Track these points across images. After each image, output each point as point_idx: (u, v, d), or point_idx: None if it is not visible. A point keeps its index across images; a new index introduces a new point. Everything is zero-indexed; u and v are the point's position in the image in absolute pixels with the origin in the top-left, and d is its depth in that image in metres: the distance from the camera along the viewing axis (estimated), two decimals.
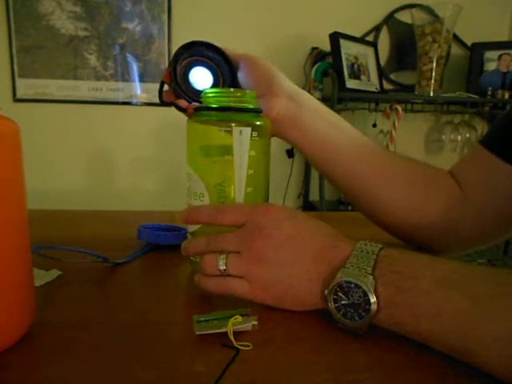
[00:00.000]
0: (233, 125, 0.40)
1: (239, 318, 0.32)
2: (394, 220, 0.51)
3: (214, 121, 0.42)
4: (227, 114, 0.42)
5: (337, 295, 0.32)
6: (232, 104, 0.42)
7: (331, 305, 0.33)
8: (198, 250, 0.39)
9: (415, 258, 0.33)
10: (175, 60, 0.47)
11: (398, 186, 0.51)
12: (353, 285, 0.32)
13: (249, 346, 0.31)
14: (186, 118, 0.45)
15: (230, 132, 0.40)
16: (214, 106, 0.42)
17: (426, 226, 0.50)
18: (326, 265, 0.34)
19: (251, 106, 0.43)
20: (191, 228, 0.44)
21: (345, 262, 0.33)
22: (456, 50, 1.75)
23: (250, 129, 0.41)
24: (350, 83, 1.51)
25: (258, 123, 0.42)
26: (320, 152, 0.51)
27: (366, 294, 0.31)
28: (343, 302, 0.32)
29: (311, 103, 0.52)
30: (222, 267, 0.36)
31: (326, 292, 0.33)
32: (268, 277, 0.35)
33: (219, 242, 0.37)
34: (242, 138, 0.41)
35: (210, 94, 0.43)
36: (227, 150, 0.41)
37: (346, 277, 0.32)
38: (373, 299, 0.31)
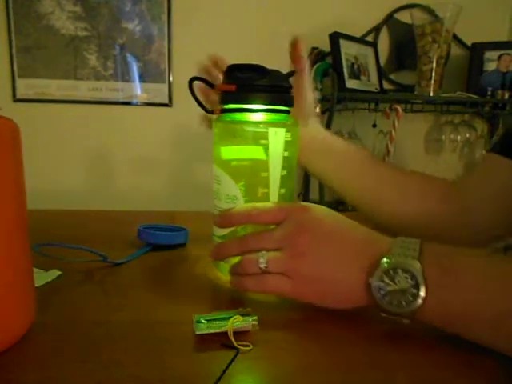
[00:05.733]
0: (269, 126, 0.40)
1: (239, 318, 0.32)
2: (393, 220, 0.53)
3: (249, 122, 0.41)
4: (261, 114, 0.42)
5: (383, 282, 0.32)
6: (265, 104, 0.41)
7: (376, 293, 0.32)
8: (232, 251, 0.39)
9: (456, 248, 0.33)
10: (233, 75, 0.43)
11: (396, 191, 0.55)
12: (400, 270, 0.31)
13: (249, 346, 0.31)
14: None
15: (265, 133, 0.40)
16: (247, 106, 0.41)
17: (424, 220, 0.52)
18: (368, 258, 0.34)
19: (283, 108, 0.43)
20: (220, 232, 0.43)
21: (388, 253, 0.33)
22: (456, 50, 1.75)
23: (284, 129, 0.41)
24: (350, 83, 1.50)
25: (290, 124, 0.42)
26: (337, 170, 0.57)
27: (414, 277, 0.31)
28: (389, 289, 0.32)
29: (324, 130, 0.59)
30: (263, 265, 0.35)
31: (370, 280, 0.32)
32: (311, 272, 0.35)
33: (257, 240, 0.37)
34: (277, 139, 0.41)
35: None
36: (262, 151, 0.41)
37: (393, 262, 0.32)
38: (421, 282, 0.30)
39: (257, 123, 0.41)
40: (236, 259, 0.39)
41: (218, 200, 0.43)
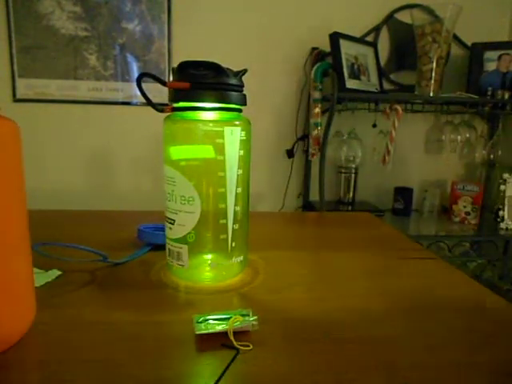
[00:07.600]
0: (223, 124, 0.40)
1: (239, 318, 0.32)
2: None
3: (204, 120, 0.41)
4: (214, 113, 0.41)
5: None
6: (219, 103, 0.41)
7: None
8: None
9: None
10: None
11: None
12: None
13: (249, 346, 0.31)
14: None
15: (221, 132, 0.40)
16: (200, 104, 0.41)
17: None
18: None
19: (236, 106, 0.42)
20: (173, 235, 0.43)
21: None
22: (456, 50, 1.75)
23: (239, 128, 0.41)
24: (350, 83, 1.51)
25: (244, 123, 0.42)
26: None
27: None
28: None
29: None
30: None
31: None
32: None
33: None
34: (233, 138, 0.41)
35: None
36: (218, 150, 0.41)
37: None
38: None
39: (212, 122, 0.41)
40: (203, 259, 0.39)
41: (172, 202, 0.42)
